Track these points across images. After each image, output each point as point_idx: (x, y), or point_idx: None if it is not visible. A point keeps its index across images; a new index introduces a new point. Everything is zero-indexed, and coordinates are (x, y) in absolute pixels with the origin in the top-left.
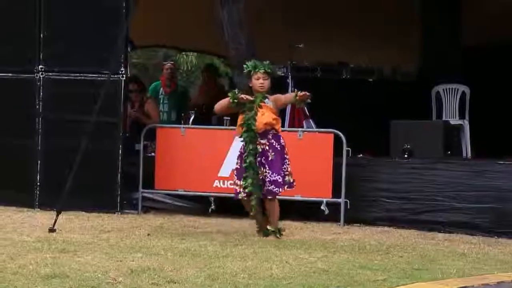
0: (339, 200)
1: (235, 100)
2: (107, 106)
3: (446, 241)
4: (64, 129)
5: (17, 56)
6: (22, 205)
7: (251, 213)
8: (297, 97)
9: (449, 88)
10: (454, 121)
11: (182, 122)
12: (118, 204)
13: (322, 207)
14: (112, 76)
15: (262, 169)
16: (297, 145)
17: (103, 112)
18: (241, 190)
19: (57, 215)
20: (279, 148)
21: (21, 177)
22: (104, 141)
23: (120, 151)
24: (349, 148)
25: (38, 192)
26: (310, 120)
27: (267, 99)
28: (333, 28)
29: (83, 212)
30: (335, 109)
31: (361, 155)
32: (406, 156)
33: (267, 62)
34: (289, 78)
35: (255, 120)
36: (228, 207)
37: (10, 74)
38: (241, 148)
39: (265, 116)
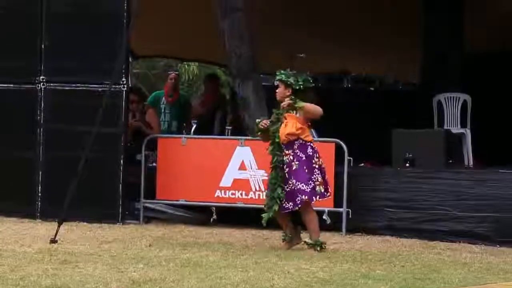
0: (341, 209)
1: (259, 132)
2: (109, 117)
3: (448, 250)
4: (65, 140)
5: (19, 67)
6: (23, 215)
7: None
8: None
9: (450, 97)
10: (456, 129)
11: (184, 131)
12: (120, 215)
13: (324, 217)
14: (113, 86)
15: (289, 180)
16: None
17: (104, 122)
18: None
19: (59, 226)
20: (304, 158)
21: (22, 188)
22: (105, 151)
23: (121, 161)
24: (350, 158)
25: (39, 203)
26: (312, 129)
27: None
28: (334, 38)
29: (85, 223)
30: (337, 118)
31: (363, 164)
32: (407, 165)
33: (287, 70)
34: None
35: (279, 132)
36: (230, 217)
37: (11, 85)
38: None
39: (287, 127)
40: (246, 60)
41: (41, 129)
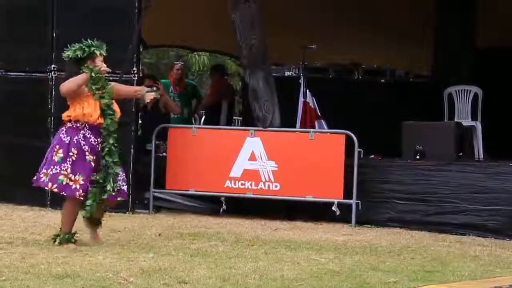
0: (350, 201)
1: (97, 75)
2: (119, 106)
3: (457, 243)
4: None
5: (30, 55)
6: (33, 204)
7: (86, 215)
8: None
9: (461, 90)
10: (466, 122)
11: (195, 122)
12: (130, 204)
13: (333, 208)
14: (124, 76)
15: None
16: (309, 145)
17: None
18: (78, 187)
19: None
20: None
21: (32, 176)
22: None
23: (132, 150)
24: (360, 149)
25: (49, 191)
26: (322, 120)
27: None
28: (345, 29)
29: None
30: (347, 109)
31: (373, 156)
32: (418, 157)
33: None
34: (301, 79)
35: (113, 110)
36: (239, 207)
37: (23, 74)
38: (65, 138)
39: (117, 108)
40: (257, 50)
41: (52, 118)
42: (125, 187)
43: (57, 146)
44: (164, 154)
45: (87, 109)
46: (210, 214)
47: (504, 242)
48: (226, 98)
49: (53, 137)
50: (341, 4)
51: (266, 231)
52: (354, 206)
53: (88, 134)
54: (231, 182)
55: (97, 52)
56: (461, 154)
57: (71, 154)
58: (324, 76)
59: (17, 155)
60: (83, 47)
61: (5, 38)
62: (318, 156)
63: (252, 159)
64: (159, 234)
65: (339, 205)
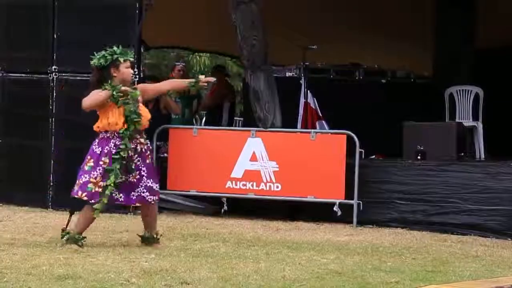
0: (351, 201)
1: (119, 93)
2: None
3: (459, 243)
4: (77, 129)
5: (31, 57)
6: (35, 205)
7: (91, 216)
8: (199, 83)
9: (462, 90)
10: (468, 122)
11: (196, 123)
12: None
13: (334, 209)
14: None
15: (136, 172)
16: (310, 146)
17: None
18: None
19: (70, 216)
20: (149, 152)
21: (34, 178)
22: None
23: None
24: (362, 150)
25: (51, 192)
26: (323, 121)
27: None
28: (346, 29)
29: None
30: (348, 110)
31: (374, 156)
32: (419, 157)
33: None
34: (302, 79)
35: (138, 114)
36: (241, 208)
37: (23, 75)
38: (96, 149)
39: (145, 112)
40: (258, 51)
41: (53, 119)
42: (146, 194)
43: (89, 157)
44: (165, 155)
45: (112, 119)
46: (212, 215)
47: (505, 242)
48: (227, 99)
49: (54, 138)
50: (341, 4)
51: (267, 231)
52: (355, 207)
53: (118, 142)
54: (232, 183)
55: (121, 59)
56: (462, 154)
57: (101, 163)
58: (325, 77)
59: (18, 156)
60: (106, 55)
61: (6, 39)
62: (319, 157)
63: (253, 159)
64: (161, 235)
65: (341, 205)
